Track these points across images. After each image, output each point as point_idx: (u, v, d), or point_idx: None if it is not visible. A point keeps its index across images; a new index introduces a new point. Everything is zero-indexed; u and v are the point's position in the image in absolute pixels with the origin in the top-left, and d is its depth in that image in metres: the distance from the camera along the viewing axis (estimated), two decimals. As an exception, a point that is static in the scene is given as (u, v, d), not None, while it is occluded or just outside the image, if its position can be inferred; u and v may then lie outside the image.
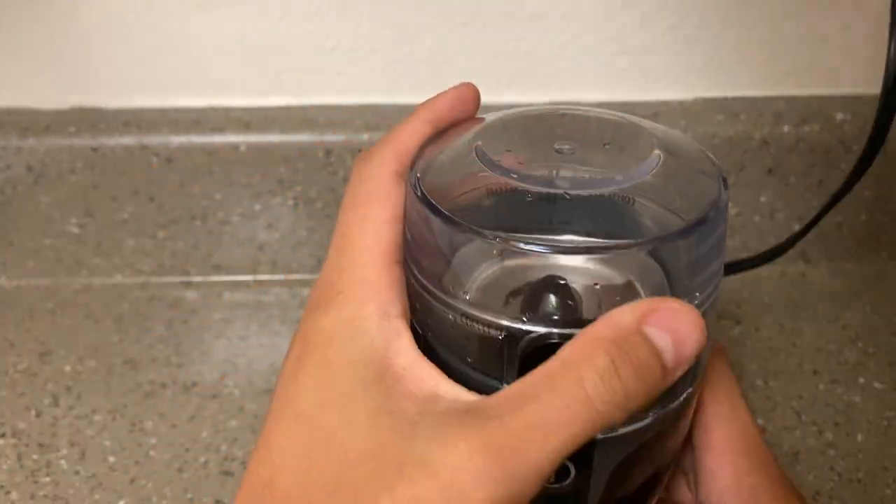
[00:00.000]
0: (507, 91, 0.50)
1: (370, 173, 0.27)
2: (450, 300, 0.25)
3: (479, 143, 0.28)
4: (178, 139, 0.49)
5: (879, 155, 0.51)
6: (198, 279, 0.53)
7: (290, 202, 0.51)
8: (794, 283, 0.53)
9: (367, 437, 0.21)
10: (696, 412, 0.29)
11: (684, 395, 0.27)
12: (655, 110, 0.50)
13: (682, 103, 0.51)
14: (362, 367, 0.23)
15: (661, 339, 0.21)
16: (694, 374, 0.27)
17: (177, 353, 0.49)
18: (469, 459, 0.20)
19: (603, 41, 0.49)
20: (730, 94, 0.51)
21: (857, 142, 0.50)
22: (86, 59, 0.49)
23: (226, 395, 0.46)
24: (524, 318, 0.24)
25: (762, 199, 0.52)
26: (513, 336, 0.24)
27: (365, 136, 0.49)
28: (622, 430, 0.25)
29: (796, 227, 0.53)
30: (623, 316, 0.21)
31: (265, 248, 0.53)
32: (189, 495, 0.42)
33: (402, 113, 0.49)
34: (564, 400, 0.20)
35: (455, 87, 0.30)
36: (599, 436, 0.25)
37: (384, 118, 0.50)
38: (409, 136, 0.28)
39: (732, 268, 0.38)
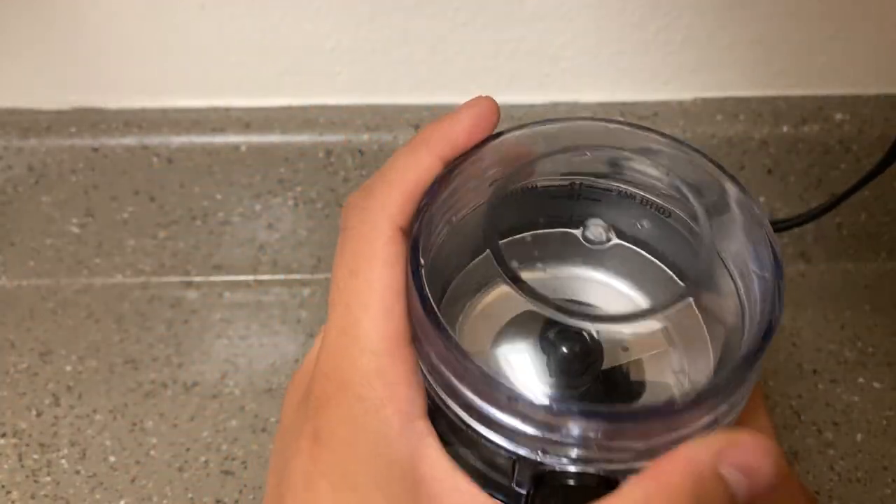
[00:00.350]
0: (507, 91, 0.50)
1: (370, 228, 0.23)
2: (461, 416, 0.23)
3: (497, 239, 0.25)
4: (178, 139, 0.49)
5: (877, 156, 0.51)
6: (198, 279, 0.53)
7: (291, 202, 0.51)
8: (793, 282, 0.53)
9: None
10: None
11: None
12: (655, 110, 0.50)
13: (681, 103, 0.51)
14: (391, 483, 0.21)
15: (737, 480, 0.20)
16: None
17: (177, 352, 0.49)
18: None
19: (603, 41, 0.49)
20: (729, 94, 0.51)
21: (856, 142, 0.50)
22: (86, 60, 0.49)
23: (226, 395, 0.46)
24: (540, 451, 0.23)
25: (761, 199, 0.52)
26: (524, 463, 0.23)
27: (365, 137, 0.49)
28: None
29: (795, 228, 0.53)
30: (699, 454, 0.20)
31: (265, 249, 0.53)
32: (189, 495, 0.42)
33: (401, 113, 0.50)
34: None
35: (471, 106, 0.25)
36: None
37: (384, 118, 0.50)
38: (415, 177, 0.24)
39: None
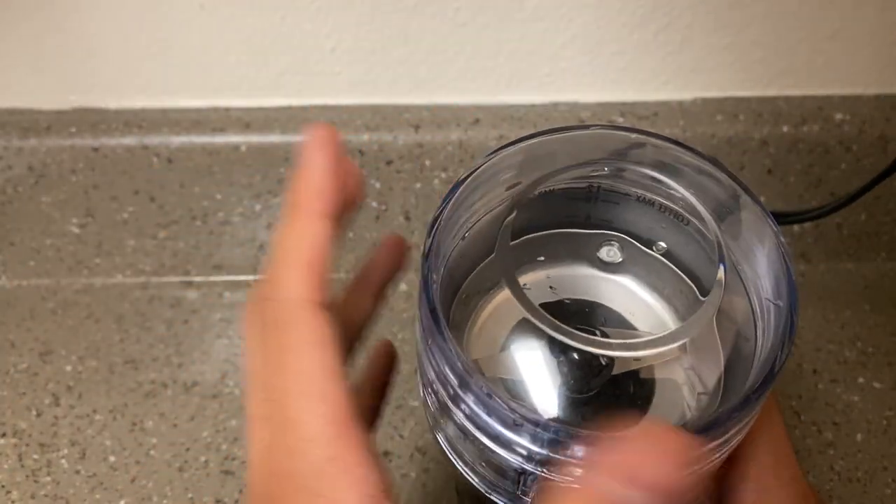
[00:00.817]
0: (507, 91, 0.50)
1: (285, 317, 0.22)
2: (467, 426, 0.24)
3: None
4: (178, 139, 0.49)
5: (879, 155, 0.51)
6: (198, 279, 0.53)
7: (291, 202, 0.51)
8: (793, 282, 0.53)
9: None
10: (742, 446, 0.28)
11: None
12: (654, 110, 0.50)
13: (681, 103, 0.51)
14: None
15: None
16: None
17: (177, 352, 0.49)
18: None
19: (603, 41, 0.49)
20: (729, 94, 0.51)
21: (856, 142, 0.50)
22: (87, 60, 0.49)
23: (226, 395, 0.46)
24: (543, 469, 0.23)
25: (762, 199, 0.52)
26: (530, 474, 0.23)
27: (365, 137, 0.49)
28: None
29: (797, 228, 0.53)
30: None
31: (265, 248, 0.53)
32: (189, 495, 0.42)
33: (402, 113, 0.50)
34: None
35: (314, 142, 0.24)
36: None
37: (384, 118, 0.50)
38: (308, 246, 0.23)
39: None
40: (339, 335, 0.22)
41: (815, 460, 0.42)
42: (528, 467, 0.23)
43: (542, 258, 0.30)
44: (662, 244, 0.29)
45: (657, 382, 0.27)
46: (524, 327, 0.28)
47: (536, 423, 0.22)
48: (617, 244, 0.29)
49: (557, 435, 0.22)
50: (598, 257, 0.29)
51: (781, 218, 0.45)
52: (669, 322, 0.29)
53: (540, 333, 0.26)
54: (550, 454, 0.22)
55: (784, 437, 0.29)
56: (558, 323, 0.24)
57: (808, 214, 0.42)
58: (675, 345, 0.25)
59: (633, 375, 0.27)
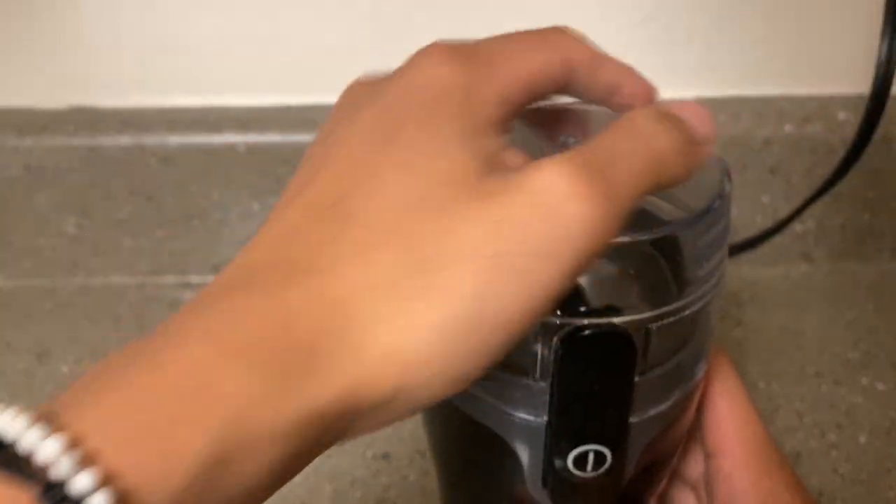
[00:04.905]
0: (507, 90, 0.50)
1: (571, 45, 0.28)
2: None
3: None
4: (176, 139, 0.49)
5: (883, 155, 0.51)
6: (196, 279, 0.53)
7: (289, 202, 0.51)
8: (796, 284, 0.52)
9: (454, 163, 0.20)
10: (709, 417, 0.29)
11: (699, 372, 0.28)
12: (656, 110, 0.50)
13: (683, 103, 0.50)
14: (467, 115, 0.22)
15: (682, 112, 0.23)
16: (704, 354, 0.28)
17: (175, 354, 0.48)
18: (559, 179, 0.19)
19: (602, 41, 0.48)
20: (731, 93, 0.51)
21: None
22: (84, 59, 0.49)
23: (224, 397, 0.46)
24: (558, 312, 0.24)
25: (764, 199, 0.51)
26: (546, 329, 0.24)
27: (364, 136, 0.49)
28: (651, 412, 0.26)
29: (798, 229, 0.53)
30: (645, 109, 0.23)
31: (264, 249, 0.53)
32: (187, 497, 0.41)
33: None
34: (634, 137, 0.21)
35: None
36: (632, 419, 0.26)
37: (384, 118, 0.49)
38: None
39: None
40: None
41: (819, 462, 0.42)
42: (549, 320, 0.24)
43: None
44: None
45: None
46: None
47: None
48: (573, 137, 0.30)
49: None
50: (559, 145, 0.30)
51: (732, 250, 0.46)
52: None
53: None
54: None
55: (761, 427, 0.30)
56: None
57: (758, 238, 0.42)
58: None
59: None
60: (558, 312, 0.24)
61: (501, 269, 0.19)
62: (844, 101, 0.50)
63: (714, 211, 0.25)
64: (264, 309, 0.18)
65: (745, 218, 0.52)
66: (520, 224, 0.19)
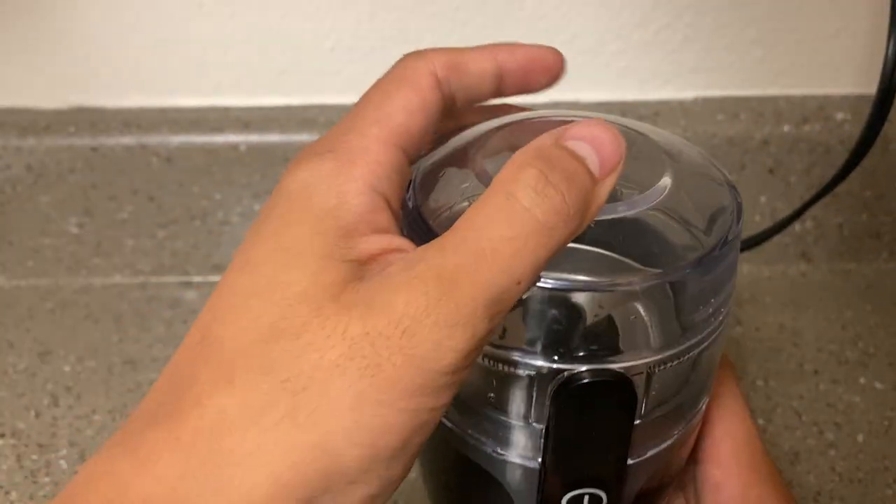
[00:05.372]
0: (507, 91, 0.50)
1: (414, 65, 0.25)
2: None
3: (481, 163, 0.26)
4: (177, 139, 0.49)
5: (881, 155, 0.51)
6: (197, 279, 0.53)
7: (290, 202, 0.51)
8: (794, 283, 0.53)
9: (312, 282, 0.20)
10: (704, 424, 0.29)
11: (702, 405, 0.27)
12: (655, 110, 0.50)
13: (681, 103, 0.50)
14: (325, 217, 0.21)
15: (582, 147, 0.21)
16: (707, 389, 0.27)
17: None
18: (422, 291, 0.19)
19: (602, 41, 0.49)
20: (729, 93, 0.51)
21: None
22: (85, 59, 0.49)
23: (225, 396, 0.46)
24: (555, 357, 0.23)
25: (762, 199, 0.52)
26: (541, 374, 0.23)
27: (365, 136, 0.49)
28: (651, 453, 0.25)
29: (797, 228, 0.53)
30: (542, 139, 0.21)
31: (265, 248, 0.53)
32: (188, 495, 0.41)
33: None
34: (503, 217, 0.20)
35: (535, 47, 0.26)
36: (630, 461, 0.25)
37: (384, 118, 0.49)
38: (472, 53, 0.26)
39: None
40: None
41: (817, 461, 0.42)
42: (536, 361, 0.23)
43: None
44: None
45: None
46: None
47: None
48: None
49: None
50: None
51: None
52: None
53: None
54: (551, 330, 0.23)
55: (756, 436, 0.30)
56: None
57: (758, 237, 0.42)
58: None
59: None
60: (554, 357, 0.23)
61: (368, 378, 0.18)
62: (843, 102, 0.50)
63: (719, 254, 0.24)
64: (129, 466, 0.19)
65: (743, 218, 0.52)
66: (380, 338, 0.19)
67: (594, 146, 0.21)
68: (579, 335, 0.23)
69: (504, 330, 0.23)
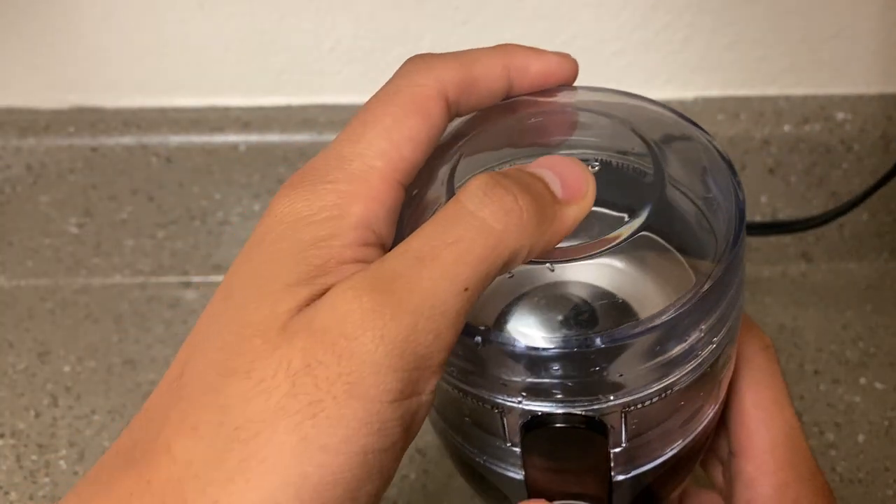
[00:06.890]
0: (507, 90, 0.50)
1: (424, 83, 0.23)
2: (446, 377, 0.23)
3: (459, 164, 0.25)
4: (177, 139, 0.49)
5: (881, 155, 0.51)
6: (197, 279, 0.53)
7: (290, 202, 0.51)
8: (794, 282, 0.53)
9: (270, 311, 0.19)
10: (737, 414, 0.27)
11: (706, 421, 0.25)
12: (656, 110, 0.50)
13: (682, 103, 0.50)
14: (310, 248, 0.20)
15: (540, 171, 0.21)
16: (707, 406, 0.26)
17: (176, 353, 0.49)
18: (357, 304, 0.18)
19: (603, 41, 0.49)
20: (730, 93, 0.51)
21: (858, 141, 0.49)
22: (85, 59, 0.49)
23: (225, 396, 0.46)
24: (521, 397, 0.22)
25: (763, 199, 0.52)
26: (510, 410, 0.22)
27: (365, 136, 0.49)
28: (641, 469, 0.24)
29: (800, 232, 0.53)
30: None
31: (265, 248, 0.53)
32: (188, 496, 0.41)
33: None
34: (448, 223, 0.19)
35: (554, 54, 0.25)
36: (619, 477, 0.24)
37: (384, 118, 0.49)
38: (483, 70, 0.24)
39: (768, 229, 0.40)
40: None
41: (817, 461, 0.42)
42: (503, 400, 0.22)
43: None
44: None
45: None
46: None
47: (506, 337, 0.21)
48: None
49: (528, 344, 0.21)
50: None
51: (786, 226, 0.46)
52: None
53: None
54: (525, 372, 0.22)
55: (798, 429, 0.28)
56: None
57: (811, 221, 0.42)
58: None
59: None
60: (523, 393, 0.22)
61: (310, 420, 0.18)
62: (843, 102, 0.50)
63: (692, 307, 0.22)
64: None
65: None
66: (320, 368, 0.18)
67: (554, 171, 0.21)
68: (552, 369, 0.22)
69: (473, 363, 0.22)
